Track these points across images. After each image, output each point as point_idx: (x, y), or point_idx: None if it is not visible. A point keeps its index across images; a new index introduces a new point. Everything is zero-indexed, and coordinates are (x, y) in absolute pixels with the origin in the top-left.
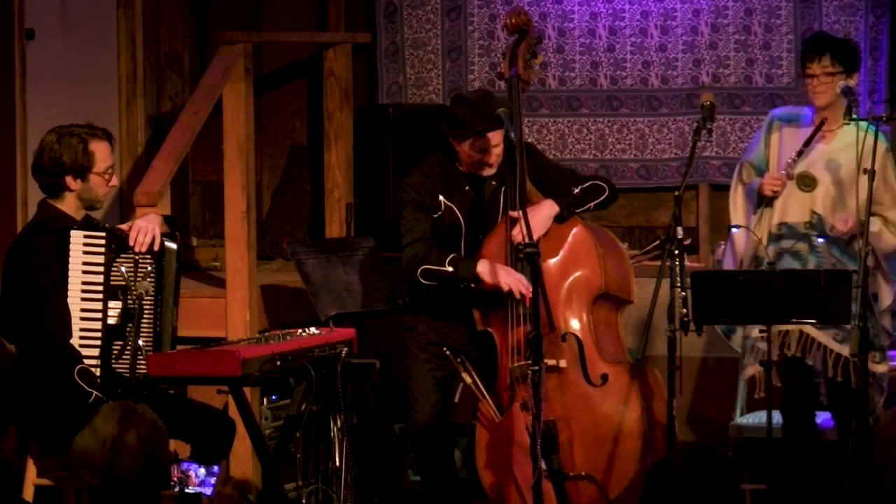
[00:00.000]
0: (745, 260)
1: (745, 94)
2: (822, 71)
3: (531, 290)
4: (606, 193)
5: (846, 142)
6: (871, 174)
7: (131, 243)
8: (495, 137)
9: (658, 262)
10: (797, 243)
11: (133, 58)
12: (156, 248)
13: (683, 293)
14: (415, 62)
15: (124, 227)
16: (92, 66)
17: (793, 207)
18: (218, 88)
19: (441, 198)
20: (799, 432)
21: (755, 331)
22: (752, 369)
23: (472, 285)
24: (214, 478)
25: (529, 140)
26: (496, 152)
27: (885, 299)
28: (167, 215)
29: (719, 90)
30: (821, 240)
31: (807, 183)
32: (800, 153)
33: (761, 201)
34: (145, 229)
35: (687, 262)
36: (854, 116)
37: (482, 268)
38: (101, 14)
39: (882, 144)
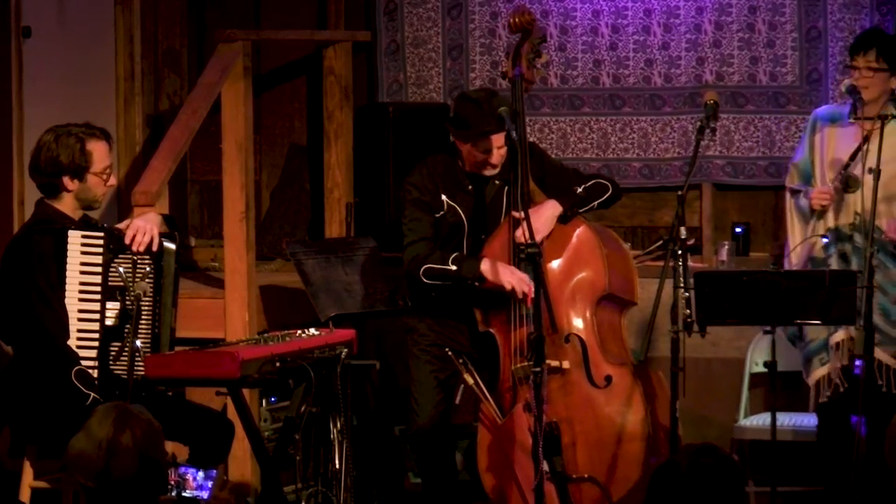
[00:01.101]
0: (800, 264)
1: (749, 92)
2: (865, 65)
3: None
4: (610, 192)
5: (889, 141)
6: (877, 174)
7: (128, 242)
8: (499, 139)
9: (661, 263)
10: (843, 245)
11: (131, 56)
12: (154, 248)
13: (686, 294)
14: (415, 60)
15: (122, 226)
16: (89, 65)
17: (839, 211)
18: (217, 87)
19: (444, 197)
20: (836, 435)
21: (839, 333)
22: (823, 370)
23: (476, 283)
24: (212, 481)
25: (531, 139)
26: (500, 153)
27: None
28: (166, 215)
29: (723, 89)
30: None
31: (850, 184)
32: (846, 166)
33: (813, 213)
34: (143, 229)
35: (690, 263)
36: (858, 116)
37: (486, 266)
38: (98, 12)
39: None
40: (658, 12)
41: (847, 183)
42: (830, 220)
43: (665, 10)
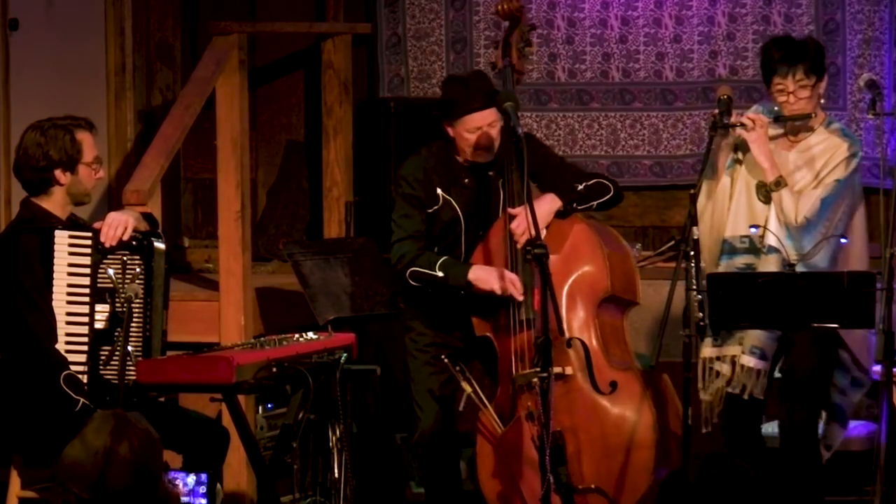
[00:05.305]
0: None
1: (764, 87)
2: (797, 86)
3: (525, 291)
4: (611, 193)
5: (812, 153)
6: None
7: (102, 239)
8: (490, 115)
9: (672, 264)
10: (751, 258)
11: (122, 49)
12: (125, 237)
13: (699, 296)
14: (417, 54)
15: (98, 225)
16: (79, 58)
17: (747, 218)
18: (211, 81)
19: (438, 191)
20: (743, 446)
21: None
22: (707, 396)
23: (462, 292)
24: (203, 487)
25: (538, 136)
26: (492, 132)
27: None
28: (146, 213)
29: (737, 83)
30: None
31: (765, 194)
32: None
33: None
34: (116, 222)
35: (703, 264)
36: (878, 112)
37: (474, 275)
38: (88, 3)
39: (844, 152)
40: (670, 4)
41: (760, 193)
42: (736, 228)
43: (677, 2)
